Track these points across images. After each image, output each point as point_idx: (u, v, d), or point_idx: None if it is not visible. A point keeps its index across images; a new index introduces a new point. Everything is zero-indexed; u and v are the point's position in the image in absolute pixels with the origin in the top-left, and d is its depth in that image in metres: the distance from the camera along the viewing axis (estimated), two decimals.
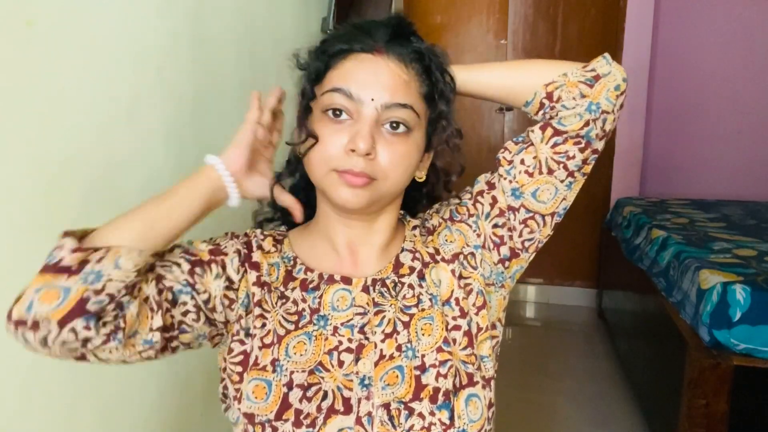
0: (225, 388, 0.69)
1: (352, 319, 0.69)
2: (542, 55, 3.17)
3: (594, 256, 3.25)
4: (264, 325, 0.68)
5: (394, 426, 0.64)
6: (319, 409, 0.64)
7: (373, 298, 0.70)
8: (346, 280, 0.71)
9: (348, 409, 0.64)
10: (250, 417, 0.64)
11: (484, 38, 3.23)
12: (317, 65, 0.69)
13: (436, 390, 0.65)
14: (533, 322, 3.32)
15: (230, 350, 0.68)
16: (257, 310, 0.68)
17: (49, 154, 0.87)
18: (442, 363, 0.67)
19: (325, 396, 0.65)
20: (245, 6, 1.52)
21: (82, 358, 0.58)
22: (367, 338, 0.68)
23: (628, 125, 3.08)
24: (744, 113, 3.04)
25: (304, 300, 0.70)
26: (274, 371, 0.66)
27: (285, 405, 0.64)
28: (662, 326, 1.86)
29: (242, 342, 0.68)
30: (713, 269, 1.67)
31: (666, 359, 1.82)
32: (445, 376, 0.66)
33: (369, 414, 0.64)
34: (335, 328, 0.68)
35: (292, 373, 0.65)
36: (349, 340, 0.68)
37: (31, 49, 0.82)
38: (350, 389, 0.65)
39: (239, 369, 0.67)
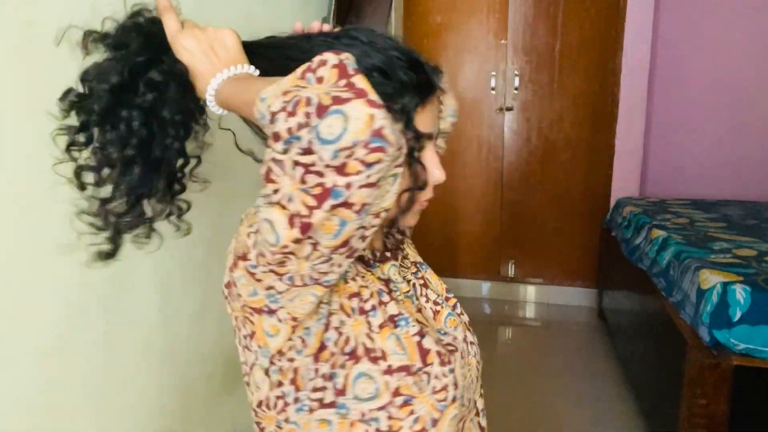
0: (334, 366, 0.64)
1: (409, 289, 0.74)
2: (542, 55, 3.18)
3: (594, 256, 3.25)
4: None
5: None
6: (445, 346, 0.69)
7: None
8: (384, 258, 0.74)
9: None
10: (404, 369, 0.62)
11: (484, 38, 3.23)
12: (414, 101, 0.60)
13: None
14: (533, 322, 3.32)
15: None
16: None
17: (49, 154, 0.87)
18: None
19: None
20: (245, 6, 1.52)
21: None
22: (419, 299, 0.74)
23: (628, 125, 3.08)
24: (744, 113, 3.04)
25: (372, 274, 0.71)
26: (397, 327, 0.66)
27: (423, 351, 0.65)
28: (662, 326, 1.86)
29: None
30: (713, 269, 1.67)
31: (666, 359, 1.82)
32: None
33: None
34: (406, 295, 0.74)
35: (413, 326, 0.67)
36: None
37: (31, 49, 0.82)
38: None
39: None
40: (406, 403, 0.61)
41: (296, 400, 0.62)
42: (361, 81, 0.45)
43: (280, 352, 0.61)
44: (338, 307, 0.63)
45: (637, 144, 3.10)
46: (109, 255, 0.68)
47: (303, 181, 0.45)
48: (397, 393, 0.61)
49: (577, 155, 3.21)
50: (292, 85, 0.47)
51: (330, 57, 0.47)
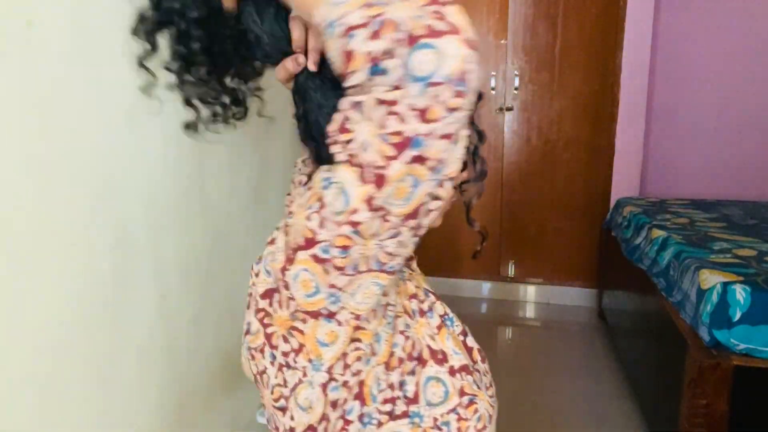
0: None
1: None
2: (542, 55, 3.18)
3: (594, 256, 3.25)
4: None
5: None
6: None
7: None
8: (411, 257, 0.74)
9: None
10: (464, 368, 0.63)
11: (484, 38, 3.22)
12: None
13: None
14: (533, 322, 3.32)
15: None
16: None
17: (49, 154, 0.87)
18: None
19: None
20: None
21: None
22: None
23: (628, 125, 3.08)
24: (744, 113, 3.04)
25: None
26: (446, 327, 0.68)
27: (468, 349, 0.66)
28: (662, 326, 1.86)
29: None
30: (713, 269, 1.67)
31: (666, 359, 1.82)
32: None
33: None
34: None
35: None
36: None
37: (31, 49, 0.82)
38: None
39: None
40: (471, 402, 0.61)
41: (362, 416, 0.57)
42: (454, 13, 0.40)
43: (346, 365, 0.55)
44: (402, 310, 0.60)
45: (637, 144, 3.10)
46: (191, 126, 0.64)
47: (382, 126, 0.40)
48: (462, 393, 0.60)
49: (577, 155, 3.21)
50: None
51: None
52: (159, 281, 1.19)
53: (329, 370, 0.54)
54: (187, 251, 1.28)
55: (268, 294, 0.57)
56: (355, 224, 0.45)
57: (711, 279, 1.62)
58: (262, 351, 0.57)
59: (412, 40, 0.38)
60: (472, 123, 0.60)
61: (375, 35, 0.39)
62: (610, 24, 3.06)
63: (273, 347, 0.56)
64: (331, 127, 0.44)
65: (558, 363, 2.70)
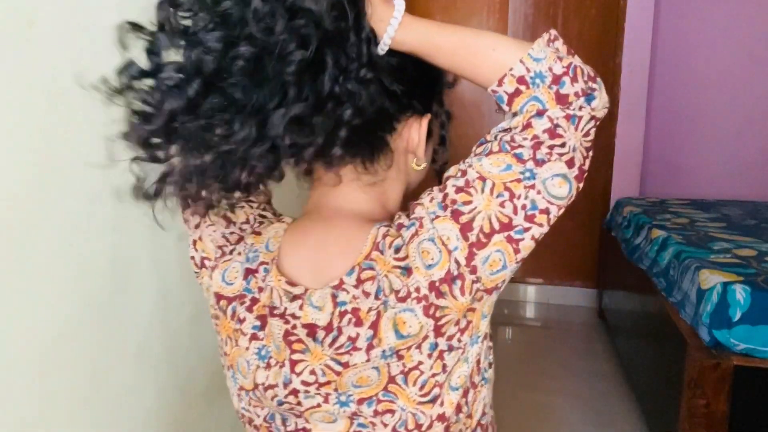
0: None
1: None
2: None
3: (594, 256, 3.25)
4: None
5: None
6: None
7: None
8: None
9: None
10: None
11: None
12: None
13: None
14: (533, 322, 3.32)
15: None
16: None
17: (49, 154, 0.87)
18: None
19: None
20: None
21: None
22: None
23: (628, 125, 3.08)
24: (744, 113, 3.04)
25: None
26: None
27: None
28: (662, 326, 1.86)
29: None
30: (713, 269, 1.67)
31: (666, 359, 1.82)
32: None
33: None
34: None
35: None
36: None
37: (31, 49, 0.82)
38: None
39: None
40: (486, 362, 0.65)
41: (482, 383, 0.63)
42: (576, 57, 0.56)
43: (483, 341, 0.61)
44: None
45: (637, 144, 3.10)
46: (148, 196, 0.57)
47: (587, 134, 0.56)
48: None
49: None
50: (550, 50, 0.55)
51: (554, 31, 0.57)
52: (159, 281, 1.19)
53: (483, 340, 0.60)
54: (187, 251, 1.28)
55: (444, 281, 0.55)
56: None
57: (711, 279, 1.62)
58: (419, 347, 0.56)
59: (592, 79, 0.55)
60: (442, 104, 0.71)
61: (574, 79, 0.54)
62: (610, 24, 3.06)
63: (441, 335, 0.56)
64: (541, 126, 0.54)
65: (558, 363, 2.70)
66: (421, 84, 0.66)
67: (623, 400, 2.31)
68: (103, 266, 1.02)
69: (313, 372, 0.58)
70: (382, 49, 0.56)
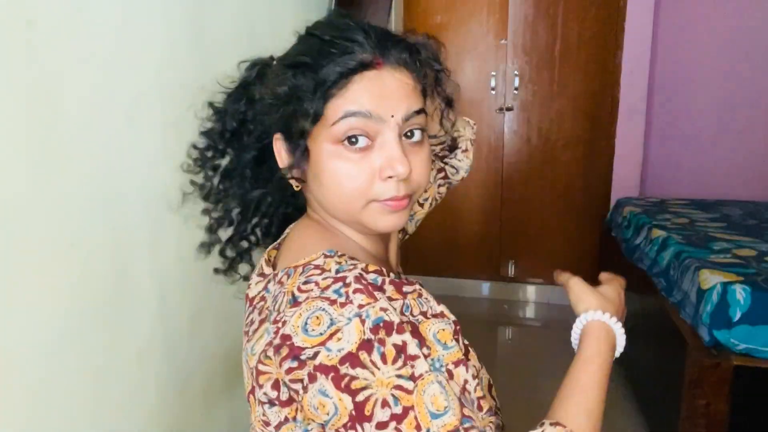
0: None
1: None
2: (542, 55, 3.18)
3: (594, 256, 3.25)
4: None
5: None
6: None
7: None
8: None
9: None
10: None
11: (484, 38, 3.23)
12: (316, 104, 0.60)
13: None
14: (533, 322, 3.32)
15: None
16: None
17: (48, 154, 0.87)
18: None
19: None
20: (245, 6, 1.52)
21: None
22: None
23: (628, 125, 3.08)
24: (744, 113, 3.04)
25: None
26: None
27: None
28: (662, 326, 1.86)
29: None
30: (713, 269, 1.67)
31: (666, 359, 1.82)
32: None
33: None
34: None
35: None
36: None
37: (31, 49, 0.82)
38: None
39: None
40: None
41: None
42: None
43: None
44: None
45: (637, 144, 3.10)
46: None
47: None
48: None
49: (577, 155, 3.21)
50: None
51: None
52: (159, 281, 1.19)
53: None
54: (187, 251, 1.28)
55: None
56: None
57: (711, 279, 1.62)
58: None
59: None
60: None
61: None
62: (610, 24, 3.06)
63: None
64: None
65: (558, 363, 2.68)
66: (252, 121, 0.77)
67: (623, 399, 2.31)
68: (103, 267, 1.02)
69: None
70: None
